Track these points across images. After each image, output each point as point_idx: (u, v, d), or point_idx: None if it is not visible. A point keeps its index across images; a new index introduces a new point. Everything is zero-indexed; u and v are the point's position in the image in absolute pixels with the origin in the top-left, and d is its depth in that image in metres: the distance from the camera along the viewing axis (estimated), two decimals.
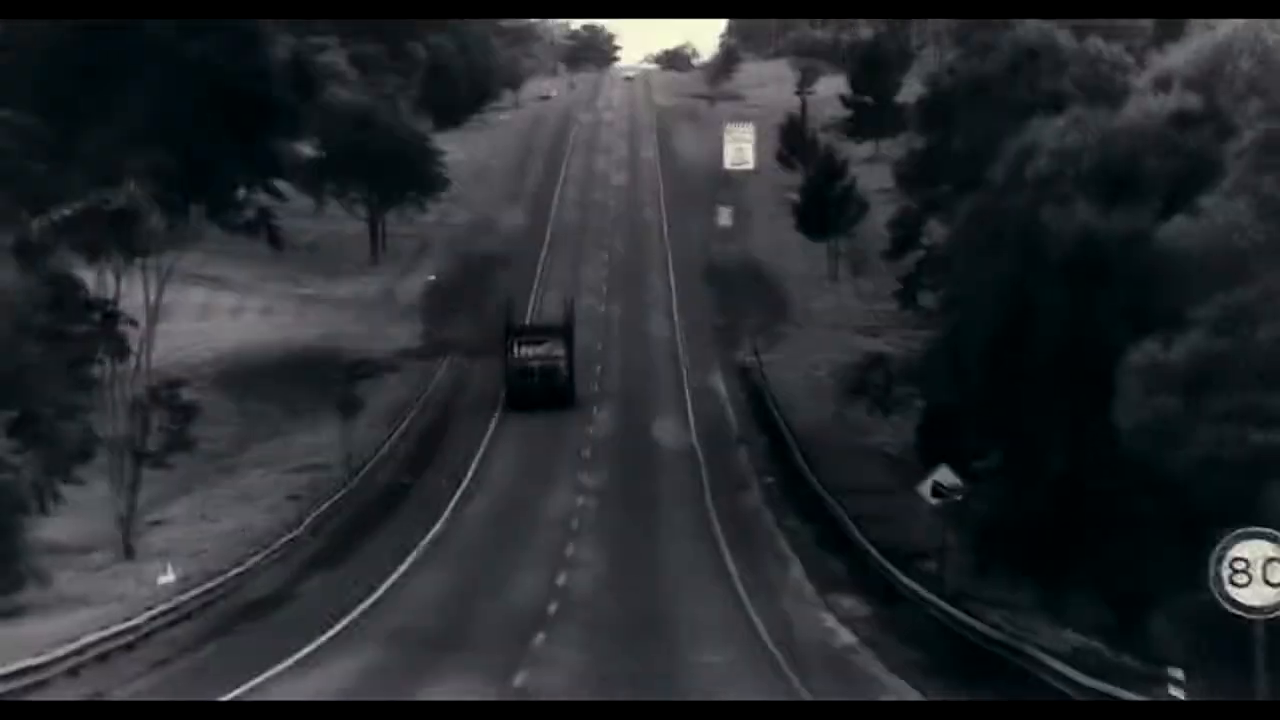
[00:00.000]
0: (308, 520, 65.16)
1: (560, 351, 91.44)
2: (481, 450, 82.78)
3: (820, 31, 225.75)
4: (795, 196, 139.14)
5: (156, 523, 72.22)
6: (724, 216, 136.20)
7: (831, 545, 62.93)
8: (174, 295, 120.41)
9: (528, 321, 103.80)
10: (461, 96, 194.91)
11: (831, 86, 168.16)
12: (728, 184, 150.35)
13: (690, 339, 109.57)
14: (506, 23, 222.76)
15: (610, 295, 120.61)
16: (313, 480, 77.00)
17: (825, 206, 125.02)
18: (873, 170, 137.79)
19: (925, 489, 52.81)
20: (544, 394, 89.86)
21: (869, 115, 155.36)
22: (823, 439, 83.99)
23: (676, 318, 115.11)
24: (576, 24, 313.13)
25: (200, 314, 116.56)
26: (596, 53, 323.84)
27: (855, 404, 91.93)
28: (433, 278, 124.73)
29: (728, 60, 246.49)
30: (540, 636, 44.64)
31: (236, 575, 55.04)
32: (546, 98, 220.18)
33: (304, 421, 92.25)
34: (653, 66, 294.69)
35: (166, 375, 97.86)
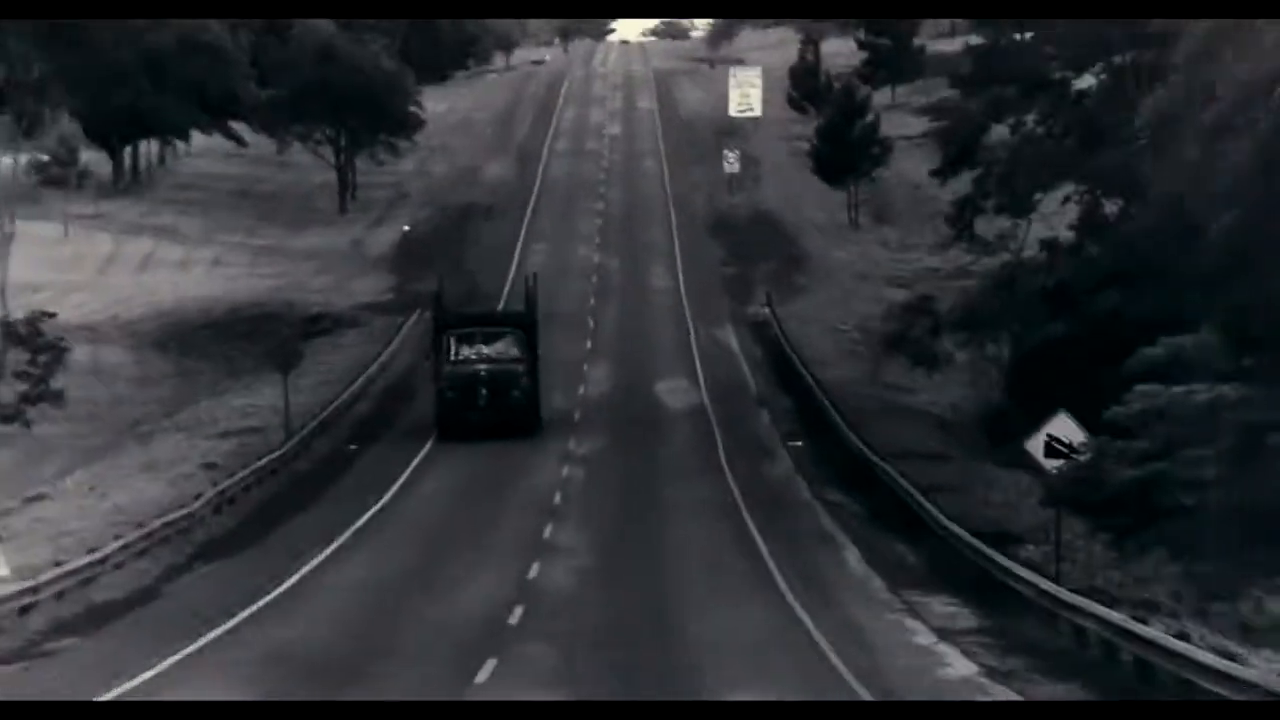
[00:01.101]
0: (210, 494, 48.86)
1: (517, 353, 61.58)
2: None
3: None
4: (807, 144, 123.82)
5: (34, 498, 55.93)
6: (731, 162, 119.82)
7: (891, 524, 46.90)
8: (115, 246, 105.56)
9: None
10: (447, 50, 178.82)
11: (837, 48, 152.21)
12: (733, 134, 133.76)
13: (696, 291, 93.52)
14: None
15: (605, 246, 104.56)
16: (239, 446, 60.95)
17: (845, 149, 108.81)
18: (892, 118, 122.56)
19: (1035, 447, 36.56)
20: (493, 417, 60.29)
21: (887, 59, 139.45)
22: (857, 398, 68.01)
23: (680, 269, 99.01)
24: None
25: (142, 266, 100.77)
26: (591, 23, 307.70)
27: (891, 360, 76.41)
28: (407, 228, 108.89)
29: (727, 25, 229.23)
30: (491, 663, 28.54)
31: (90, 566, 38.89)
32: (539, 62, 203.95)
33: (243, 381, 76.47)
34: (650, 38, 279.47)
35: (86, 327, 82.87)
